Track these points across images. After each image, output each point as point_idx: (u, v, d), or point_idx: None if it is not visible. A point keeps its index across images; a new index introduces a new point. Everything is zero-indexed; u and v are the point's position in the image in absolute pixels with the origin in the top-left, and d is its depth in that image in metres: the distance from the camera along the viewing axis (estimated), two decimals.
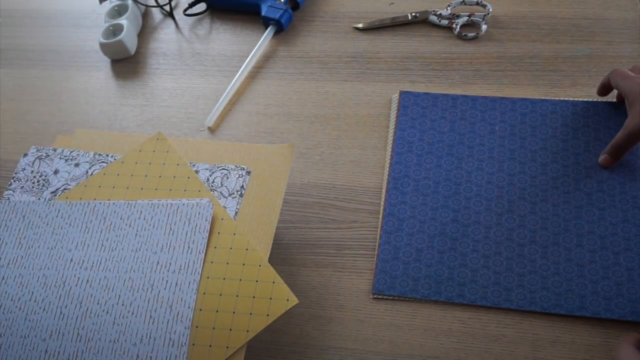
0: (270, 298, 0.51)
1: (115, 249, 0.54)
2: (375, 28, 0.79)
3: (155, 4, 0.85)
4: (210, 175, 0.59)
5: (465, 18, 0.77)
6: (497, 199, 0.60)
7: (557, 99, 0.67)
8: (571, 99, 0.67)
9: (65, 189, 0.59)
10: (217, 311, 0.50)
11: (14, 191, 0.60)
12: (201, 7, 0.85)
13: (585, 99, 0.67)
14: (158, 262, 0.53)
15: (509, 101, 0.67)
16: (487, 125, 0.65)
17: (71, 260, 0.54)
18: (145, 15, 0.85)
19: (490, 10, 0.77)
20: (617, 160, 0.61)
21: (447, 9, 0.78)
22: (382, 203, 0.62)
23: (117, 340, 0.50)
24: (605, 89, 0.65)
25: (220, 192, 0.58)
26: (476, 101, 0.67)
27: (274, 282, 0.51)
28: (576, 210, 0.59)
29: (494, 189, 0.61)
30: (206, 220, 0.55)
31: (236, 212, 0.56)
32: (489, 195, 0.60)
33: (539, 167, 0.62)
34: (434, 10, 0.78)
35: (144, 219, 0.55)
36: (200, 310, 0.50)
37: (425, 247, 0.58)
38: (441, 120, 0.66)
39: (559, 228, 0.58)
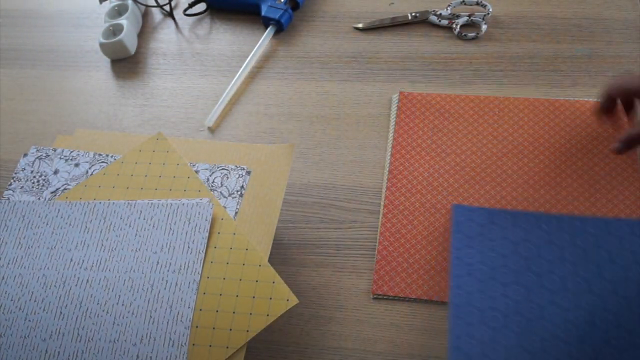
0: (270, 298, 0.50)
1: (115, 249, 0.54)
2: (375, 28, 0.79)
3: (155, 4, 0.85)
4: (210, 175, 0.59)
5: (465, 18, 0.77)
6: (578, 344, 0.51)
7: (634, 219, 0.58)
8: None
9: (65, 189, 0.59)
10: (217, 311, 0.50)
11: (14, 191, 0.60)
12: (201, 7, 0.85)
13: None
14: (158, 262, 0.53)
15: (578, 221, 0.58)
16: (555, 248, 0.56)
17: (71, 260, 0.54)
18: (145, 15, 0.85)
19: (490, 10, 0.77)
20: (630, 150, 0.61)
21: (447, 9, 0.78)
22: (382, 204, 0.62)
23: (117, 340, 0.49)
24: (608, 106, 0.63)
25: (220, 192, 0.58)
26: (540, 220, 0.58)
27: (274, 282, 0.51)
28: None
29: (572, 328, 0.52)
30: (206, 220, 0.55)
31: (236, 212, 0.56)
32: (568, 338, 0.52)
33: (622, 300, 0.53)
34: (434, 10, 0.78)
35: (144, 219, 0.55)
36: (200, 310, 0.50)
37: None
38: (502, 241, 0.57)
39: None
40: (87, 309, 0.51)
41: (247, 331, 0.49)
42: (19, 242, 0.55)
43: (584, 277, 0.54)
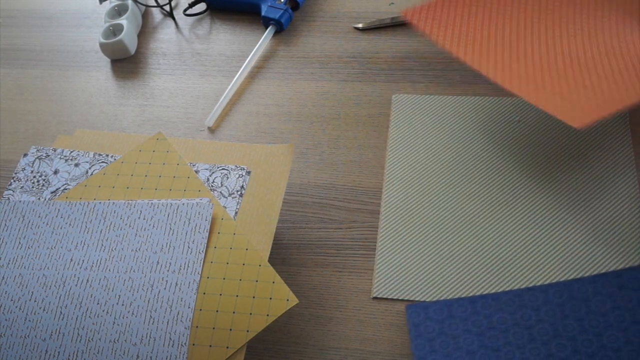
0: (270, 298, 0.51)
1: (115, 249, 0.54)
2: (375, 28, 0.79)
3: (155, 4, 0.85)
4: (210, 175, 0.59)
5: None
6: None
7: (593, 275, 0.53)
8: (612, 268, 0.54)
9: (65, 189, 0.59)
10: (217, 311, 0.50)
11: (14, 191, 0.60)
12: (201, 7, 0.85)
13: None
14: (158, 262, 0.53)
15: (538, 291, 0.53)
16: (522, 330, 0.51)
17: (71, 260, 0.54)
18: (145, 15, 0.86)
19: None
20: None
21: None
22: (382, 203, 0.62)
23: (117, 341, 0.50)
24: None
25: (220, 192, 0.58)
26: (499, 300, 0.53)
27: (274, 282, 0.51)
28: None
29: None
30: (206, 220, 0.55)
31: (236, 212, 0.56)
32: None
33: None
34: None
35: (144, 218, 0.55)
36: (200, 310, 0.50)
37: None
38: (466, 335, 0.52)
39: None
40: (87, 309, 0.51)
41: (247, 331, 0.49)
42: (19, 242, 0.55)
43: (560, 356, 0.49)
